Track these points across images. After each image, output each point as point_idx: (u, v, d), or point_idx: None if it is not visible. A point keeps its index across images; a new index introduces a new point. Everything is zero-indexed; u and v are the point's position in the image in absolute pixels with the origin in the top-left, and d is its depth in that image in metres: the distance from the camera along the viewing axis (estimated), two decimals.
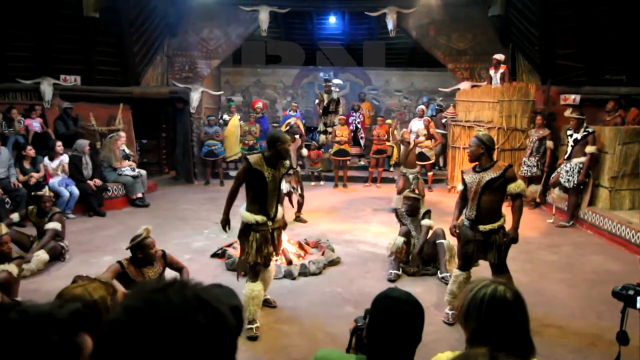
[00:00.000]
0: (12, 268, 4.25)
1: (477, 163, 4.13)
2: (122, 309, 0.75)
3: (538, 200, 8.45)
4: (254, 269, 4.12)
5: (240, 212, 4.11)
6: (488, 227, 4.08)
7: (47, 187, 6.78)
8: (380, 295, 1.66)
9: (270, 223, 4.09)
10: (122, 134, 9.17)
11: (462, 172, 4.34)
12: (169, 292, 0.76)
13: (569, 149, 7.55)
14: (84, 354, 0.80)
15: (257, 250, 4.03)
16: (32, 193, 6.13)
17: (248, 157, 4.08)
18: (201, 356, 0.72)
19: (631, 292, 1.09)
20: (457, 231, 4.27)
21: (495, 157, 4.43)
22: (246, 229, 4.07)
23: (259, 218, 4.02)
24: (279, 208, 4.26)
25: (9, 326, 0.75)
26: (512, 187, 4.03)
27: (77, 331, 0.81)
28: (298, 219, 7.46)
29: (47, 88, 9.36)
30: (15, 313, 0.77)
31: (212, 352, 0.74)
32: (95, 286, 1.55)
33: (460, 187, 4.37)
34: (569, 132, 7.68)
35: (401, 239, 5.40)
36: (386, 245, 5.59)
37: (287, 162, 4.19)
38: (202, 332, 0.73)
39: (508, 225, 4.20)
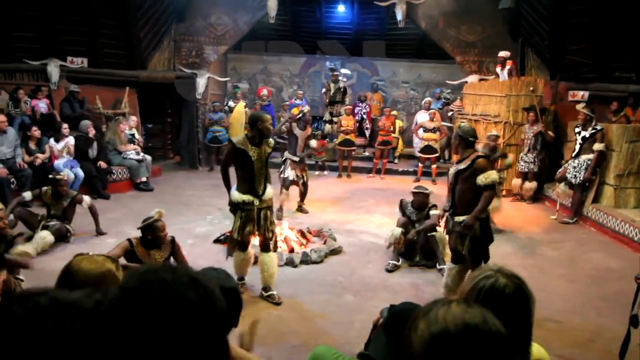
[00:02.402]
0: (30, 249, 4.29)
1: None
2: (119, 290, 0.79)
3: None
4: (241, 243, 4.43)
5: (231, 192, 4.36)
6: (462, 218, 4.03)
7: (66, 170, 6.93)
8: (397, 313, 1.59)
9: (257, 202, 4.31)
10: (134, 117, 9.24)
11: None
12: (161, 271, 0.80)
13: (577, 146, 7.50)
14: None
15: (241, 227, 4.33)
16: (50, 175, 6.16)
17: (232, 138, 4.43)
18: (193, 330, 0.76)
19: None
20: (439, 221, 4.43)
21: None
22: (235, 208, 4.36)
23: (246, 198, 4.28)
24: (268, 187, 4.46)
25: (37, 311, 0.77)
26: (480, 179, 3.91)
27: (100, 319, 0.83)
28: (300, 209, 7.44)
29: (53, 69, 9.37)
30: (44, 299, 0.79)
31: (202, 327, 0.77)
32: (102, 259, 1.59)
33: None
34: (576, 130, 7.63)
35: (399, 230, 5.41)
36: (385, 236, 5.62)
37: (271, 140, 4.45)
38: (192, 307, 0.77)
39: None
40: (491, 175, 3.93)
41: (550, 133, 8.13)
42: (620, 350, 1.27)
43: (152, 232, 4.08)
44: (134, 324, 0.74)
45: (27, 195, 5.99)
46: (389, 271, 5.25)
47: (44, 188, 6.02)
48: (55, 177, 6.03)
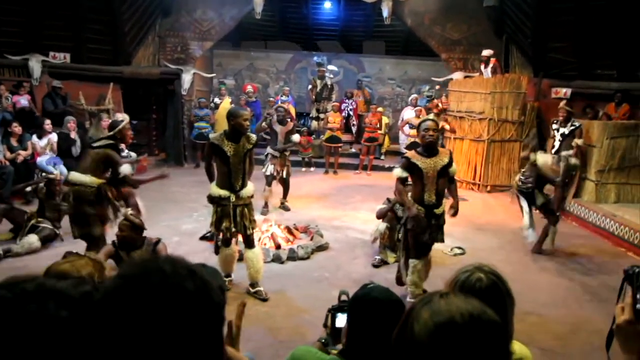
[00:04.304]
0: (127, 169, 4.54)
1: (418, 149, 4.33)
2: (118, 277, 0.80)
3: None
4: (224, 238, 4.51)
5: (210, 186, 4.44)
6: (441, 209, 4.28)
7: (58, 171, 7.07)
8: (359, 296, 1.62)
9: (233, 198, 4.32)
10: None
11: (408, 159, 4.21)
12: (160, 261, 0.81)
13: (557, 143, 7.60)
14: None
15: (216, 222, 4.37)
16: (44, 174, 6.20)
17: (210, 135, 4.51)
18: (189, 321, 0.76)
19: (630, 271, 1.15)
20: (423, 215, 4.17)
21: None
22: (212, 202, 4.42)
23: (222, 192, 4.32)
24: (249, 184, 4.45)
25: (24, 296, 0.78)
26: (452, 170, 4.31)
27: (86, 311, 0.83)
28: (282, 206, 7.39)
29: (35, 65, 9.21)
30: (31, 284, 0.80)
31: (199, 319, 0.78)
32: (83, 263, 1.58)
33: (403, 174, 4.22)
34: (554, 126, 7.74)
35: (384, 225, 5.44)
36: (370, 232, 5.65)
37: (254, 136, 4.46)
38: (190, 298, 0.78)
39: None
40: (454, 166, 4.39)
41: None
42: (607, 341, 1.31)
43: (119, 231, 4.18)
44: (131, 312, 0.75)
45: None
46: (375, 266, 5.28)
47: (41, 185, 5.97)
48: (49, 177, 6.09)
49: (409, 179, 4.27)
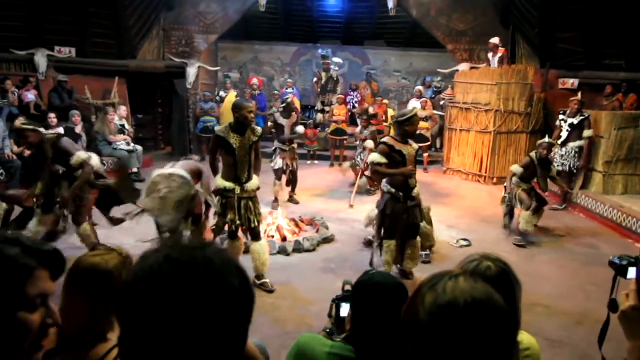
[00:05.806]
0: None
1: (392, 134, 4.65)
2: (163, 257, 0.77)
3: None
4: (230, 230, 4.49)
5: (215, 178, 4.47)
6: (416, 191, 4.55)
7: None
8: (361, 282, 1.63)
9: (238, 190, 4.33)
10: (123, 107, 9.16)
11: (388, 145, 4.43)
12: (209, 251, 0.80)
13: (564, 133, 7.54)
14: (35, 283, 0.89)
15: (220, 214, 4.40)
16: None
17: (215, 127, 4.63)
18: (228, 316, 0.76)
19: (624, 262, 1.13)
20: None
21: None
22: (217, 194, 4.45)
23: (227, 184, 4.34)
24: (254, 177, 4.46)
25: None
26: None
27: (37, 259, 0.89)
28: (290, 199, 7.41)
29: (41, 59, 9.25)
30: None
31: (237, 315, 0.78)
32: (112, 256, 1.62)
33: (382, 160, 4.40)
34: (561, 117, 7.67)
35: (375, 211, 5.43)
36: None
37: (259, 128, 4.49)
38: (232, 294, 0.77)
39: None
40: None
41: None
42: (599, 335, 1.30)
43: None
44: (173, 297, 0.73)
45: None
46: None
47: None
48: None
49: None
